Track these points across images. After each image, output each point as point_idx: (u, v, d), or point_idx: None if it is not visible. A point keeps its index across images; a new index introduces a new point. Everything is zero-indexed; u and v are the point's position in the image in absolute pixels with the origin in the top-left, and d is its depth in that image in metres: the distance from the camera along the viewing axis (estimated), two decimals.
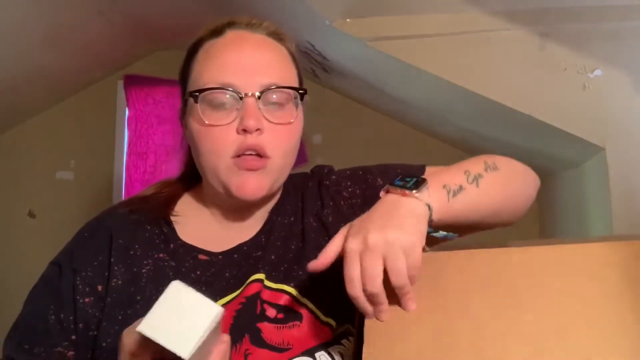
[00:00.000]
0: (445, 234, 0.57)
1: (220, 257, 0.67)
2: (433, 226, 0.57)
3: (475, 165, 0.65)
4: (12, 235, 2.38)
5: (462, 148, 2.25)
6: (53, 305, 0.64)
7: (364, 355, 0.52)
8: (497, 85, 1.33)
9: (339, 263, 0.54)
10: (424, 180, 0.57)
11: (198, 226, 0.70)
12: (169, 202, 0.72)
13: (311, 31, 1.57)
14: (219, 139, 0.63)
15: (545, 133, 1.38)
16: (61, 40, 1.89)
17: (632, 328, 0.46)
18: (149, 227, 0.68)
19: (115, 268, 0.64)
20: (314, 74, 2.09)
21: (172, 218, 0.70)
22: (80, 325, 0.63)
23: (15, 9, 1.58)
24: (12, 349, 0.64)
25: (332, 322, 0.65)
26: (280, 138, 0.65)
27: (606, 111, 1.25)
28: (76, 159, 2.40)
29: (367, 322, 0.54)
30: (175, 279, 0.64)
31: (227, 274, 0.66)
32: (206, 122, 0.63)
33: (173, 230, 0.69)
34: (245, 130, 0.62)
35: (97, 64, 2.29)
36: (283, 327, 0.64)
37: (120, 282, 0.64)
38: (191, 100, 0.65)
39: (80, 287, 0.64)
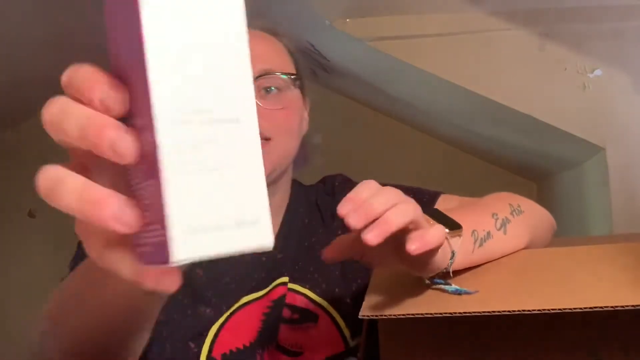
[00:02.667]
0: (458, 290, 0.49)
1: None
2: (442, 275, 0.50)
3: (501, 207, 0.60)
4: (12, 235, 2.38)
5: (462, 148, 2.25)
6: None
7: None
8: (497, 85, 1.33)
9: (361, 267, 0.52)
10: (459, 226, 0.50)
11: None
12: None
13: (311, 31, 1.57)
14: None
15: (545, 133, 1.38)
16: (61, 40, 1.89)
17: None
18: None
19: None
20: (314, 74, 2.09)
21: None
22: None
23: (16, 9, 1.58)
24: None
25: (347, 331, 0.65)
26: (277, 122, 0.63)
27: (606, 111, 1.25)
28: None
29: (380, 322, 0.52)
30: (203, 278, 0.65)
31: (255, 275, 0.65)
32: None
33: None
34: None
35: (97, 64, 2.29)
36: (297, 327, 0.64)
37: None
38: None
39: None
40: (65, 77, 0.26)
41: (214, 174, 0.24)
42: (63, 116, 0.25)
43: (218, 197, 0.24)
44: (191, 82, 0.24)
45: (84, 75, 0.26)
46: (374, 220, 0.41)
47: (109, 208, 0.23)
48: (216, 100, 0.25)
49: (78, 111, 0.25)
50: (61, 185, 0.24)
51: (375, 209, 0.41)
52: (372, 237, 0.40)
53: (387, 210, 0.41)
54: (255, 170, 0.25)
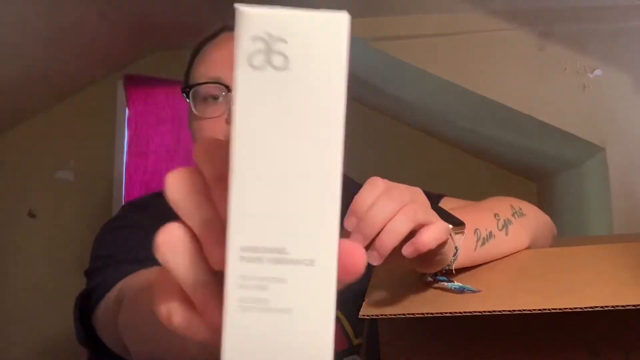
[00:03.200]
0: (462, 287, 0.49)
1: None
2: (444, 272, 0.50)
3: (503, 208, 0.60)
4: (12, 235, 2.38)
5: (462, 148, 2.25)
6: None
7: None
8: (497, 85, 1.33)
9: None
10: (462, 223, 0.50)
11: None
12: None
13: None
14: (209, 130, 0.67)
15: (545, 133, 1.38)
16: (61, 40, 1.89)
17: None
18: None
19: None
20: None
21: None
22: None
23: (15, 9, 1.58)
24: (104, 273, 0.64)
25: (351, 329, 0.65)
26: None
27: (606, 111, 1.25)
28: (76, 159, 2.40)
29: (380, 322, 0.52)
30: None
31: None
32: (198, 115, 0.67)
33: None
34: None
35: (97, 64, 2.29)
36: None
37: None
38: (188, 100, 0.69)
39: None
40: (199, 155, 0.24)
41: (277, 314, 0.22)
42: (183, 212, 0.24)
43: (278, 338, 0.22)
44: (270, 211, 0.22)
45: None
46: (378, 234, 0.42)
47: (177, 316, 0.23)
48: (292, 238, 0.22)
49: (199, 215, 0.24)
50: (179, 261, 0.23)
51: (376, 222, 0.42)
52: (373, 259, 0.42)
53: (390, 218, 0.42)
54: (323, 314, 0.23)
